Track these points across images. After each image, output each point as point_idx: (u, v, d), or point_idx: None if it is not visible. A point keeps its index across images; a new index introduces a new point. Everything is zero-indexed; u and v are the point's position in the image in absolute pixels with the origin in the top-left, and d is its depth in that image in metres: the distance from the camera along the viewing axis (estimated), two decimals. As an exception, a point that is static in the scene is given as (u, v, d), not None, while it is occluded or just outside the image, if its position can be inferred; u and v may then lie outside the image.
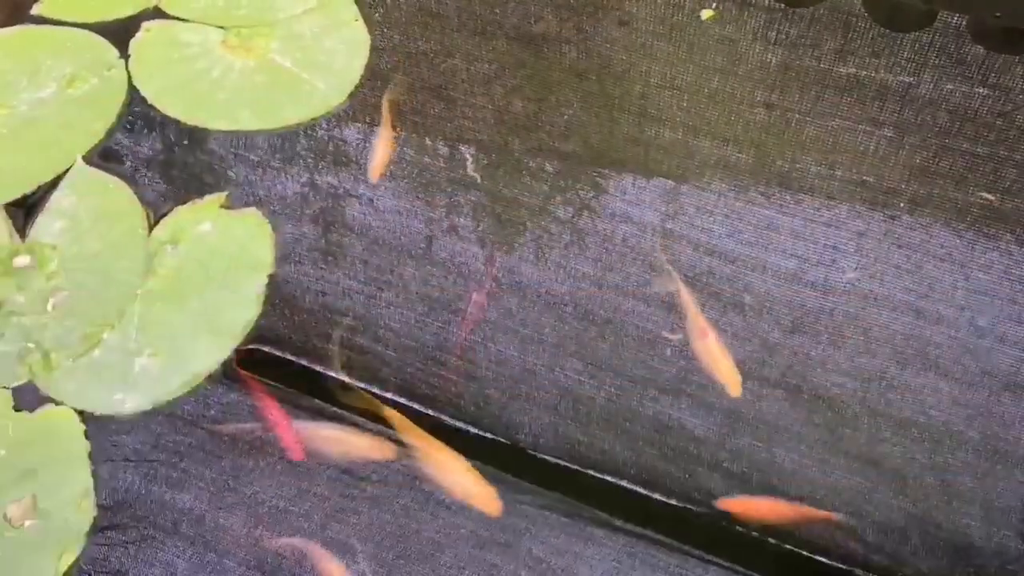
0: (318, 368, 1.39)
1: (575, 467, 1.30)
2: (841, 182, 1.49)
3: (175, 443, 1.32)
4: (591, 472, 1.29)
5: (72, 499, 1.26)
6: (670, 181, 1.51)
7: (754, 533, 1.23)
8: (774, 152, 1.53)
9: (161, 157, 1.58)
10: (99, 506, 1.26)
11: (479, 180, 1.54)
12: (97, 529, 1.25)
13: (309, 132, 1.60)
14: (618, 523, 1.25)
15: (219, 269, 1.45)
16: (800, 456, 1.29)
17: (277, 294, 1.44)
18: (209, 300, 1.42)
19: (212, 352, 1.37)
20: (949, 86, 1.52)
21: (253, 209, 1.52)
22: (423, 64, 1.66)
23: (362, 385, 1.37)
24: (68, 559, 1.22)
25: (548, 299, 1.42)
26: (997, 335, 1.35)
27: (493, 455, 1.31)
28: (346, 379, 1.38)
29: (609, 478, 1.28)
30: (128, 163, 1.56)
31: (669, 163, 1.53)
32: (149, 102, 1.61)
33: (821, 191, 1.49)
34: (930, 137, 1.51)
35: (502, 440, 1.33)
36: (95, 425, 1.32)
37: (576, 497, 1.28)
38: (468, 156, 1.56)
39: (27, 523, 1.24)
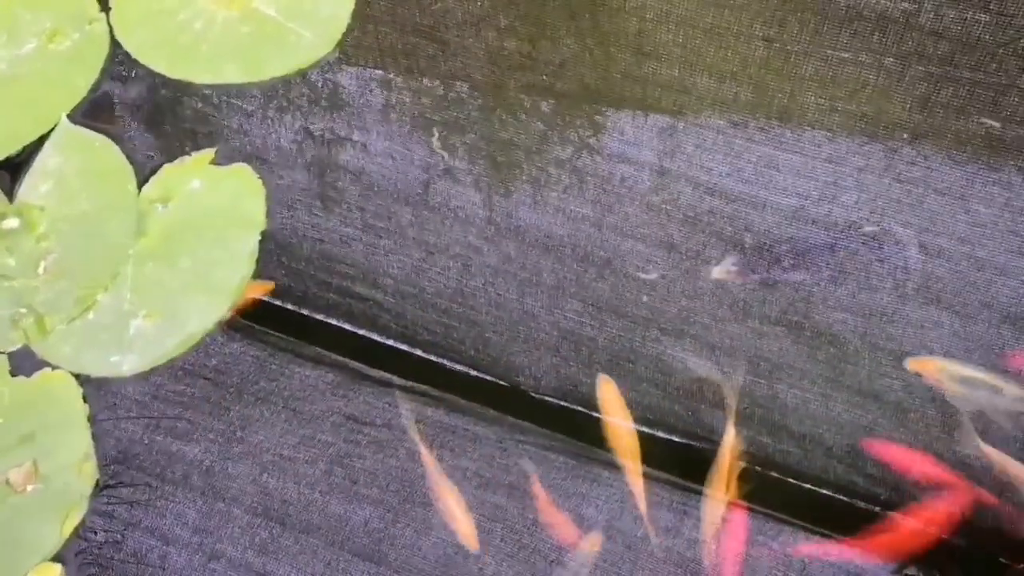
0: (319, 316, 1.48)
1: (577, 408, 1.39)
2: (841, 116, 1.55)
3: (177, 394, 1.41)
4: (594, 413, 1.38)
5: (73, 463, 1.33)
6: (668, 119, 1.57)
7: (757, 468, 1.34)
8: (773, 87, 1.58)
9: (148, 112, 1.63)
10: (105, 460, 1.35)
11: (474, 123, 1.60)
12: (104, 484, 1.33)
13: (300, 76, 1.65)
14: (622, 463, 1.34)
15: (211, 227, 1.51)
16: (802, 392, 1.37)
17: (274, 243, 1.52)
18: (202, 259, 1.48)
19: (207, 312, 1.44)
20: (950, 14, 1.57)
21: (244, 164, 1.57)
22: (413, 5, 1.70)
23: (363, 332, 1.47)
24: (72, 523, 1.30)
25: (547, 242, 1.49)
26: (997, 267, 1.42)
27: (495, 398, 1.39)
28: (347, 326, 1.47)
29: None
30: (114, 120, 1.61)
31: (667, 100, 1.59)
32: (133, 56, 1.65)
33: (821, 126, 1.55)
34: (931, 67, 1.56)
35: (503, 383, 1.41)
36: (93, 386, 1.40)
37: (579, 438, 1.36)
38: (462, 99, 1.62)
39: (29, 488, 1.31)
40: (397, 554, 1.30)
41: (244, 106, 1.64)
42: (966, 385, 1.36)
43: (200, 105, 1.65)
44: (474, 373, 1.42)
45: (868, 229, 1.47)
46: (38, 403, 1.38)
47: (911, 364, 1.38)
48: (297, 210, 1.55)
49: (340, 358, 1.44)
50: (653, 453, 1.35)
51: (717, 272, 1.45)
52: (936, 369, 1.38)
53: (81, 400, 1.38)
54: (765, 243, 1.46)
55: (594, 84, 1.62)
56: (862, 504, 1.30)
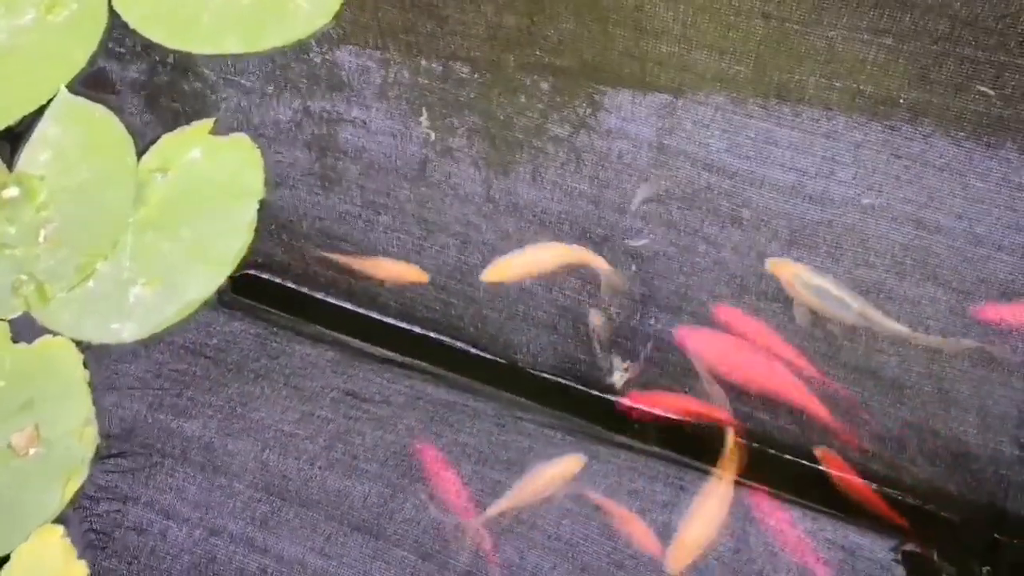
0: (318, 295, 1.47)
1: (575, 385, 1.38)
2: (840, 93, 1.53)
3: (179, 372, 1.40)
4: (592, 391, 1.38)
5: (74, 428, 1.34)
6: (667, 95, 1.56)
7: (754, 445, 1.33)
8: (772, 64, 1.57)
9: (146, 84, 1.62)
10: (107, 435, 1.35)
11: (473, 101, 1.58)
12: (105, 456, 1.34)
13: (299, 54, 1.64)
14: (619, 439, 1.34)
15: (210, 197, 1.50)
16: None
17: (274, 220, 1.50)
18: (201, 228, 1.48)
19: (206, 280, 1.44)
20: (950, -10, 1.57)
21: (242, 134, 1.56)
22: (411, -21, 1.70)
23: (361, 310, 1.46)
24: (73, 486, 1.31)
25: (544, 218, 1.48)
26: (995, 243, 1.41)
27: (493, 375, 1.39)
28: (346, 304, 1.46)
29: (610, 396, 1.37)
30: (113, 91, 1.60)
31: (665, 77, 1.57)
32: (131, 27, 1.63)
33: (819, 102, 1.53)
34: (929, 44, 1.54)
35: (501, 360, 1.41)
36: (94, 354, 1.40)
37: (577, 414, 1.36)
38: (461, 76, 1.60)
39: (31, 452, 1.32)
40: (396, 528, 1.30)
41: (243, 83, 1.63)
42: (815, 293, 1.39)
43: (199, 79, 1.63)
44: (473, 350, 1.41)
45: (866, 201, 1.46)
46: (39, 369, 1.39)
47: (769, 264, 1.42)
48: (297, 188, 1.54)
49: (340, 335, 1.43)
50: (650, 430, 1.34)
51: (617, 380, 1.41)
52: (792, 274, 1.41)
53: (82, 366, 1.39)
54: (763, 218, 1.45)
55: (593, 61, 1.60)
56: (860, 480, 1.29)
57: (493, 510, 1.30)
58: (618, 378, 1.37)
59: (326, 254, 1.48)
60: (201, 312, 1.43)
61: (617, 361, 1.38)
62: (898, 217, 1.45)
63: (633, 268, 1.44)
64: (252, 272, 1.47)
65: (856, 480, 1.29)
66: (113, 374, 1.40)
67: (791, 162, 1.50)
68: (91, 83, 1.60)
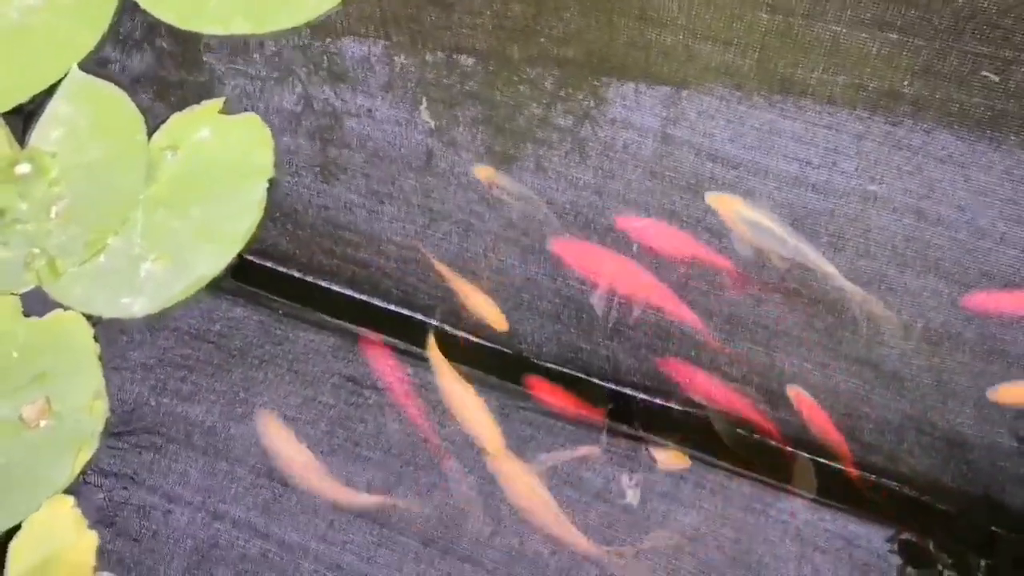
0: (323, 283, 1.45)
1: (578, 375, 1.36)
2: (843, 85, 1.51)
3: (182, 357, 1.39)
4: (594, 380, 1.36)
5: (84, 401, 1.34)
6: (671, 86, 1.54)
7: (755, 436, 1.31)
8: (776, 56, 1.55)
9: (156, 64, 1.60)
10: (111, 412, 1.34)
11: (477, 90, 1.57)
12: (109, 435, 1.33)
13: (305, 43, 1.62)
14: (621, 429, 1.32)
15: (220, 175, 1.50)
16: (800, 360, 1.34)
17: (279, 209, 1.49)
18: (210, 207, 1.47)
19: (215, 257, 1.44)
20: (954, -18, 1.55)
21: (252, 113, 1.55)
22: (418, -32, 1.68)
23: (365, 298, 1.44)
24: (84, 458, 1.31)
25: (549, 208, 1.47)
26: (997, 235, 1.39)
27: (496, 365, 1.37)
28: (349, 292, 1.44)
29: (612, 385, 1.35)
30: (123, 70, 1.59)
31: (670, 68, 1.56)
32: (141, 7, 1.62)
33: (823, 94, 1.51)
34: (933, 38, 1.52)
35: (505, 350, 1.39)
36: (104, 329, 1.39)
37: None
38: (466, 65, 1.58)
39: (42, 424, 1.32)
40: (399, 515, 1.28)
41: (248, 71, 1.61)
42: (753, 227, 1.40)
43: (207, 62, 1.61)
44: (475, 339, 1.39)
45: (871, 188, 1.44)
46: (50, 343, 1.38)
47: (709, 198, 1.44)
48: (302, 177, 1.52)
49: (342, 323, 1.42)
50: (654, 421, 1.32)
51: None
52: (731, 208, 1.42)
53: (92, 340, 1.38)
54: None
55: (598, 51, 1.59)
56: (857, 472, 1.28)
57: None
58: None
59: (438, 263, 1.44)
60: (205, 298, 1.42)
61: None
62: (900, 208, 1.43)
63: (635, 249, 1.42)
64: (255, 259, 1.45)
65: (823, 416, 1.30)
66: (117, 357, 1.39)
67: (794, 153, 1.48)
68: (102, 62, 1.59)
